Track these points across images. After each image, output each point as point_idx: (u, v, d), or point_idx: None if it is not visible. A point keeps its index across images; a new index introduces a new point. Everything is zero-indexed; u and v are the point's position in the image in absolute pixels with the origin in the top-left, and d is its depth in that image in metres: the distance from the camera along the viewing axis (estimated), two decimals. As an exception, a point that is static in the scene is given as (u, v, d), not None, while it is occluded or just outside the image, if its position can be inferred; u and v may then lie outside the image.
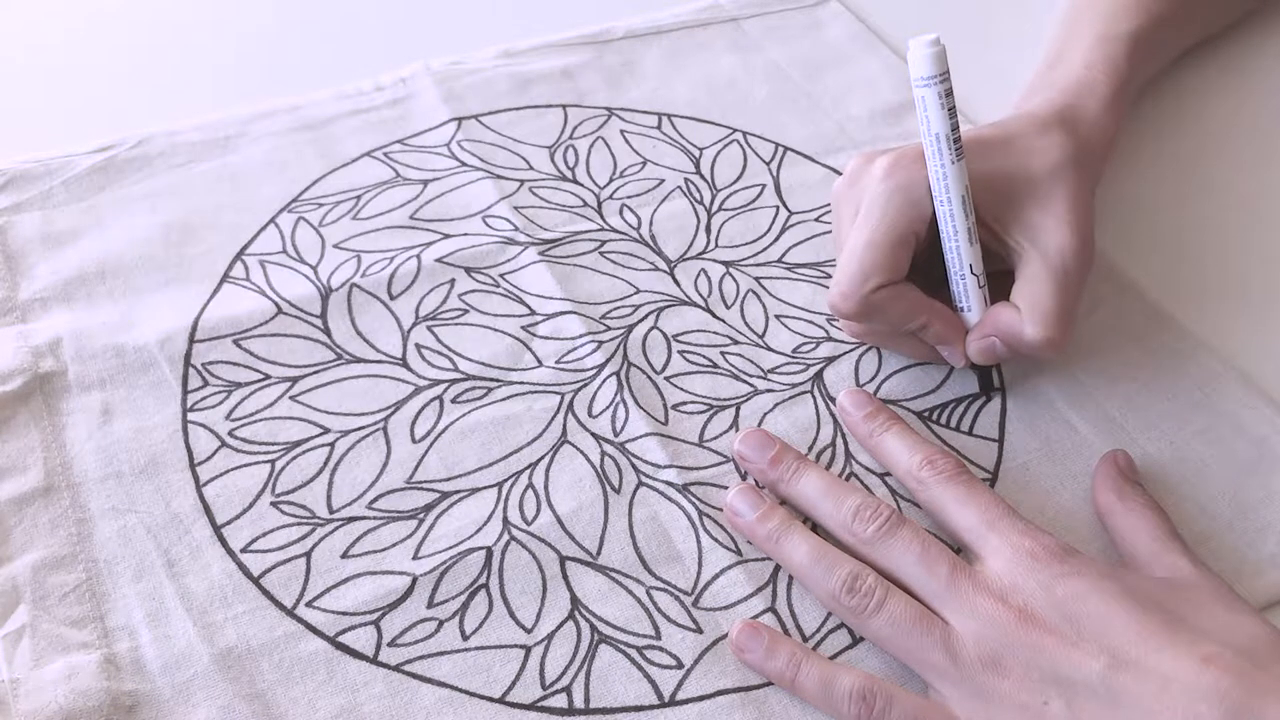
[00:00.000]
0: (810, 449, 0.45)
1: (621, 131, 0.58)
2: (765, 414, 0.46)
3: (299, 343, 0.48)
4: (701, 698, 0.38)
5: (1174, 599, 0.37)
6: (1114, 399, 0.47)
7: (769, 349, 0.48)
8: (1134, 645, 0.35)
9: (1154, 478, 0.44)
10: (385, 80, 0.60)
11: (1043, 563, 0.38)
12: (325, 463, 0.44)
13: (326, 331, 0.48)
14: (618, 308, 0.50)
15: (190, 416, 0.45)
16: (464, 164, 0.56)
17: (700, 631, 0.40)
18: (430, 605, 0.40)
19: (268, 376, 0.46)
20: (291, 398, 0.46)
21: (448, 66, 0.61)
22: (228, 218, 0.53)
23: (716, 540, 0.42)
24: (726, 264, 0.52)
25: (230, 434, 0.44)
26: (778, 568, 0.41)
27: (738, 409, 0.46)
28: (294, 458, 0.44)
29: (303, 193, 0.54)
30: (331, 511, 0.42)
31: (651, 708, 0.38)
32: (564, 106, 0.59)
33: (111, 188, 0.54)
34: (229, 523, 0.42)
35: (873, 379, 0.47)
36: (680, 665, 0.39)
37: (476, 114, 0.58)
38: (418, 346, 0.48)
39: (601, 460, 0.44)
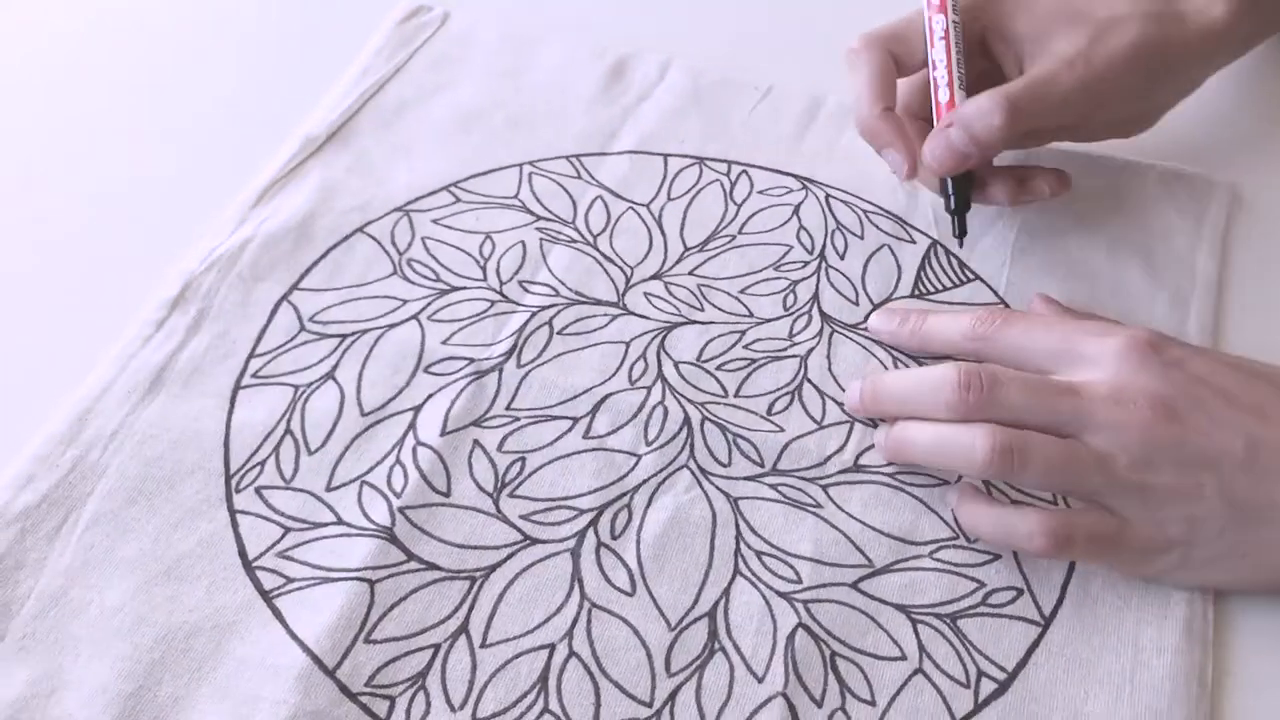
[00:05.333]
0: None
1: None
2: (829, 365, 0.46)
3: None
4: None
5: (1252, 365, 0.40)
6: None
7: (765, 320, 0.48)
8: (1264, 419, 0.38)
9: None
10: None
11: (1140, 356, 0.39)
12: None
13: None
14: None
15: None
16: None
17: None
18: None
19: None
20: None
21: None
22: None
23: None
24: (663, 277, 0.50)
25: None
26: None
27: (800, 382, 0.46)
28: None
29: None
30: None
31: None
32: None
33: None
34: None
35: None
36: None
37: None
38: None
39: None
